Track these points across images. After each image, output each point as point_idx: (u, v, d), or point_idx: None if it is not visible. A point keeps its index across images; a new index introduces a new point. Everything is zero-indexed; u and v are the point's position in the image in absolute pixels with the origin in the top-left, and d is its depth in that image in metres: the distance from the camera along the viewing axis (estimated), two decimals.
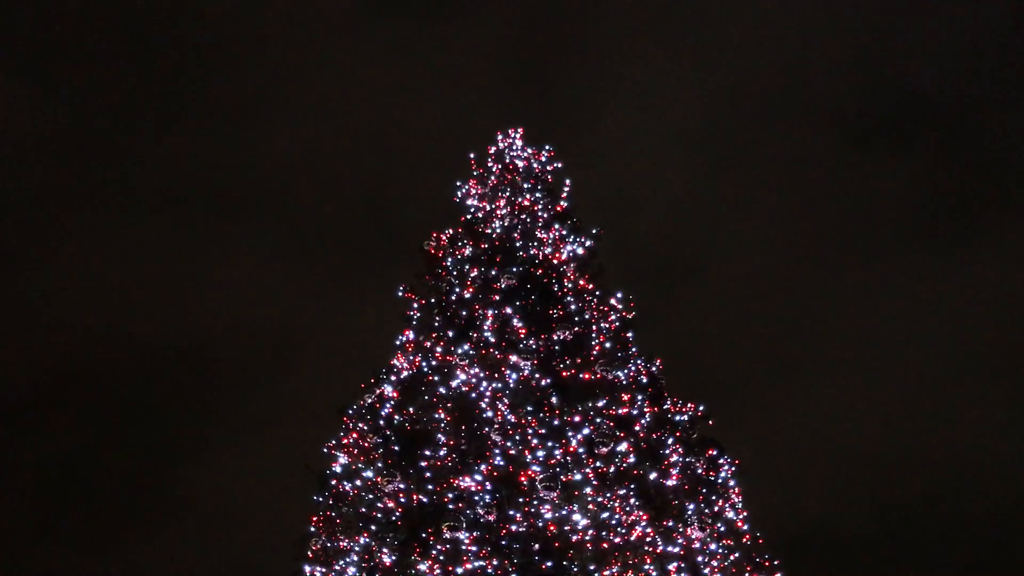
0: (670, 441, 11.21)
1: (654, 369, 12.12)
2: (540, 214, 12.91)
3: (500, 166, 13.40)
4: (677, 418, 11.57)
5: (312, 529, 11.03)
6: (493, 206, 12.95)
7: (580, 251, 12.75)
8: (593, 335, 11.74)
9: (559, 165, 13.66)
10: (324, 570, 10.43)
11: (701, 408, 11.73)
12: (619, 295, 12.50)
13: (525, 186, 13.19)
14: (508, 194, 13.04)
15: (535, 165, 13.52)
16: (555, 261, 12.47)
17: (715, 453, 11.33)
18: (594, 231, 13.00)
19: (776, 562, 10.92)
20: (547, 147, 13.72)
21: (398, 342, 12.44)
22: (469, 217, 13.05)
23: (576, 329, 11.72)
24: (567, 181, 13.55)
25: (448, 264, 12.46)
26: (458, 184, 13.47)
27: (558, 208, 13.14)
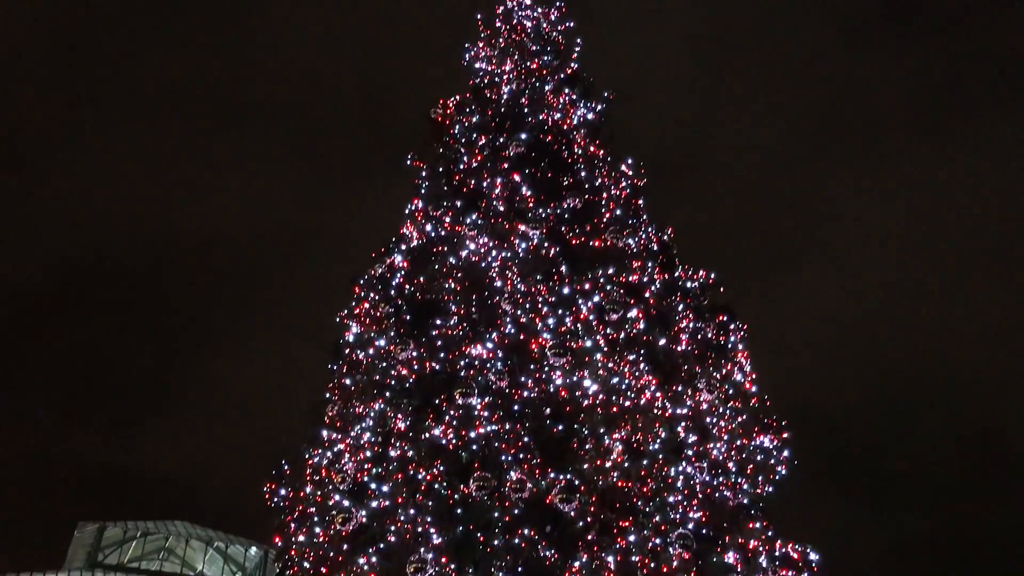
0: (680, 308, 11.25)
1: (665, 237, 12.05)
2: (549, 78, 12.57)
3: (508, 27, 12.96)
4: (688, 285, 11.58)
5: (327, 396, 11.27)
6: (501, 70, 12.60)
7: (591, 116, 12.49)
8: (603, 202, 11.62)
9: (571, 24, 13.20)
10: (340, 435, 10.67)
11: (712, 276, 11.72)
12: (630, 161, 12.31)
13: (533, 48, 12.79)
14: (516, 57, 12.66)
15: (544, 25, 13.07)
16: (565, 127, 12.22)
17: (725, 319, 11.39)
18: (606, 95, 12.68)
19: (784, 422, 11.11)
20: (558, 3, 13.21)
21: (407, 211, 12.38)
22: (477, 81, 12.73)
23: (586, 196, 11.59)
24: (578, 41, 13.11)
25: (455, 132, 12.25)
26: (466, 47, 13.07)
27: (568, 71, 12.77)
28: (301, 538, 10.29)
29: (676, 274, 11.60)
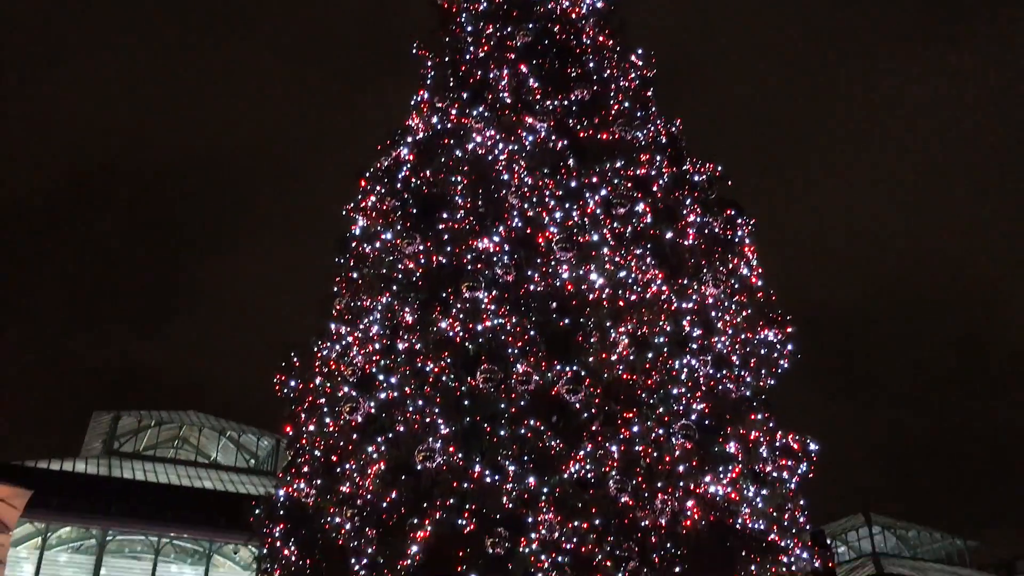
0: (688, 201, 11.18)
1: (674, 129, 11.89)
2: None
3: None
4: (696, 178, 11.48)
5: (335, 289, 11.34)
6: None
7: (599, 4, 12.15)
8: (612, 94, 11.41)
9: None
10: (348, 328, 10.78)
11: (720, 168, 11.60)
12: (640, 52, 12.04)
13: None
14: None
15: None
16: (573, 16, 11.91)
17: (732, 213, 11.33)
18: None
19: (788, 317, 11.18)
20: None
21: (413, 102, 12.20)
22: None
23: (594, 88, 11.38)
24: None
25: (462, 20, 11.95)
26: None
27: None
28: (311, 427, 10.53)
29: (684, 167, 11.49)
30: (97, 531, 29.25)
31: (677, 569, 8.80)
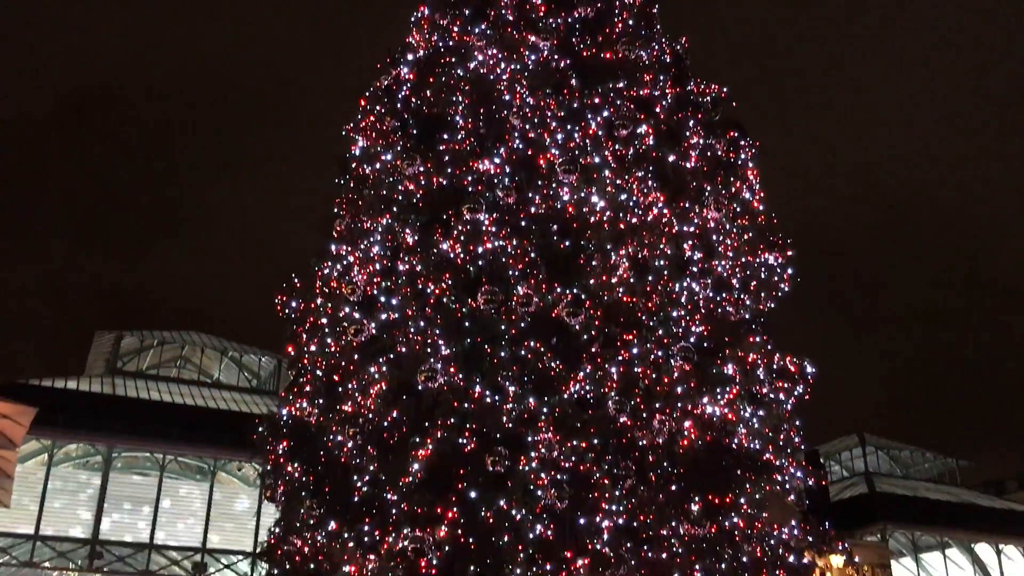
0: (691, 123, 11.07)
1: (678, 48, 11.69)
2: None
3: None
4: (699, 100, 11.34)
5: (336, 211, 11.30)
6: None
7: None
8: (615, 12, 11.20)
9: None
10: (349, 248, 10.77)
11: (724, 90, 11.45)
12: None
13: None
14: None
15: None
16: None
17: (736, 135, 11.23)
18: None
19: (789, 240, 11.17)
20: None
21: (413, 19, 11.98)
22: None
23: (598, 5, 11.17)
24: None
25: None
26: None
27: None
28: (313, 348, 10.61)
29: (688, 88, 11.35)
30: (103, 448, 29.69)
31: (673, 487, 8.97)
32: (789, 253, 11.03)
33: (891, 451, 43.66)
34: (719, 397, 9.69)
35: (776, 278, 11.00)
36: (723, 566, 8.94)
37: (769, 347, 10.46)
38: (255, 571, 27.77)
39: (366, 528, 8.82)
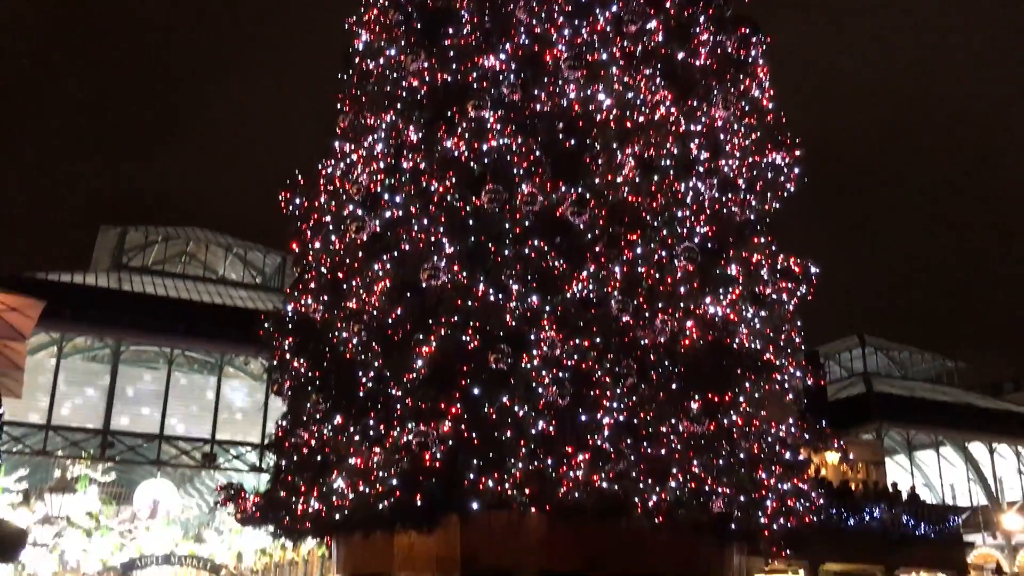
0: (702, 19, 10.80)
1: None
2: None
3: None
4: None
5: (339, 107, 11.14)
6: None
7: None
8: None
9: None
10: (353, 146, 10.67)
11: None
12: None
13: None
14: None
15: None
16: None
17: (747, 31, 10.96)
18: None
19: (798, 140, 11.03)
20: None
21: None
22: None
23: None
24: None
25: None
26: None
27: None
28: (317, 245, 10.61)
29: None
30: (111, 342, 30.07)
31: (674, 386, 9.10)
32: (797, 153, 10.91)
33: (890, 352, 44.10)
34: (722, 297, 9.73)
35: (782, 178, 10.91)
36: (720, 462, 9.14)
37: (773, 248, 10.45)
38: (263, 462, 28.47)
39: (371, 422, 8.99)
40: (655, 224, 9.74)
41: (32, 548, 29.36)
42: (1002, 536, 36.93)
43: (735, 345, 9.62)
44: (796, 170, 10.96)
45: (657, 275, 9.46)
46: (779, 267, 10.27)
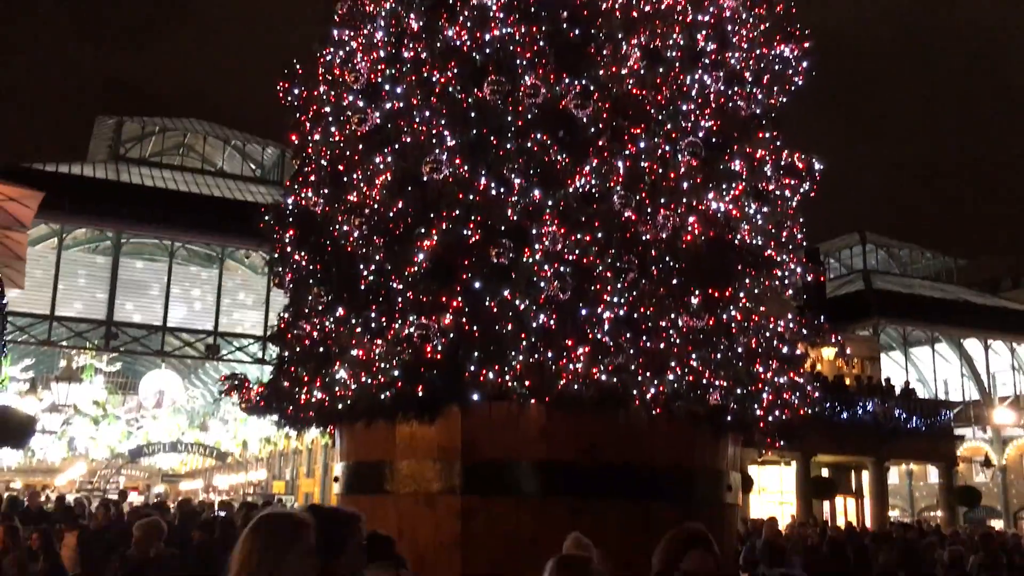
0: None
1: None
2: None
3: None
4: None
5: None
6: None
7: None
8: None
9: None
10: (352, 33, 10.43)
11: None
12: None
13: None
14: None
15: None
16: None
17: None
18: None
19: (807, 31, 10.77)
20: None
21: None
22: None
23: None
24: None
25: None
26: None
27: None
28: (316, 137, 10.47)
29: None
30: (111, 233, 30.09)
31: (674, 281, 9.12)
32: (806, 45, 10.66)
33: (890, 249, 44.18)
34: (724, 193, 9.67)
35: (790, 71, 10.69)
36: (718, 356, 9.24)
37: (778, 143, 10.32)
38: (265, 354, 28.84)
39: (373, 314, 9.06)
40: (659, 118, 9.60)
41: (41, 435, 30.04)
42: (992, 430, 37.76)
43: (736, 241, 9.60)
44: (804, 63, 10.73)
45: (660, 170, 9.37)
46: (783, 163, 10.17)
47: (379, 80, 9.78)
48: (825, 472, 29.38)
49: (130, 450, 38.15)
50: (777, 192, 10.13)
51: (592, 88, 9.15)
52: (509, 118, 9.19)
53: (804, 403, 10.08)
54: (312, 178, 10.38)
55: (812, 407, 10.35)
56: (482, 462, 8.74)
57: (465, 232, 8.80)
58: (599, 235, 8.84)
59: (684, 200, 9.35)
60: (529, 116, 9.14)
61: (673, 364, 8.75)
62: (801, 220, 10.56)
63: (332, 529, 3.48)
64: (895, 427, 27.86)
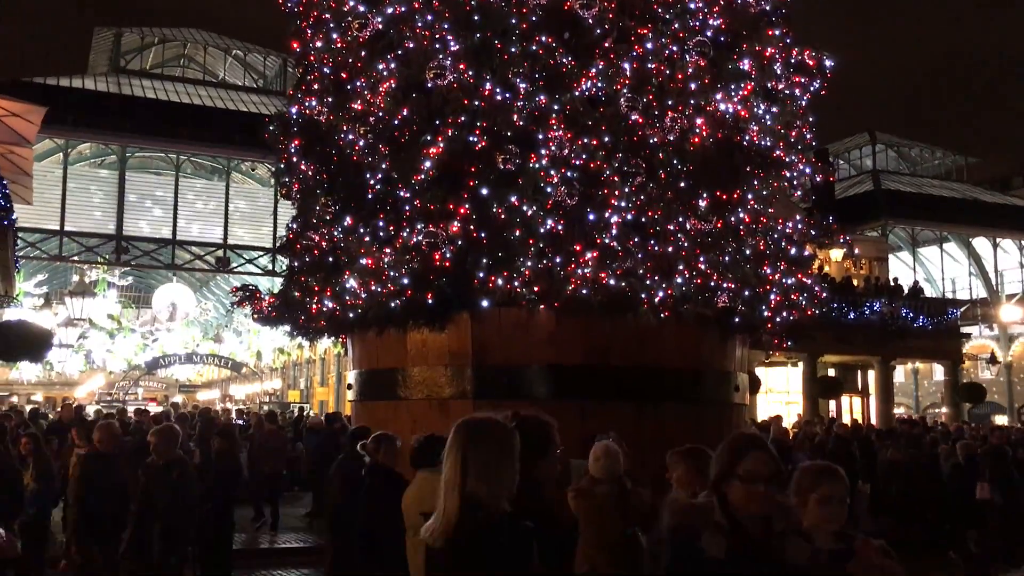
0: None
1: None
2: None
3: None
4: None
5: None
6: None
7: None
8: None
9: None
10: None
11: None
12: None
13: None
14: None
15: None
16: None
17: None
18: None
19: None
20: None
21: None
22: None
23: None
24: None
25: None
26: None
27: None
28: (319, 44, 10.32)
29: None
30: (116, 147, 29.92)
31: (682, 184, 9.09)
32: None
33: (900, 149, 43.66)
34: (733, 93, 9.54)
35: None
36: (726, 258, 9.26)
37: (787, 41, 10.14)
38: (275, 266, 28.99)
39: (380, 223, 9.08)
40: (666, 17, 9.42)
41: (58, 349, 30.49)
42: (998, 327, 37.96)
43: (745, 142, 9.52)
44: None
45: (668, 71, 9.24)
46: (793, 61, 10.01)
47: None
48: (832, 372, 29.70)
49: (146, 362, 38.74)
50: (787, 91, 10.00)
51: None
52: (513, 21, 9.03)
53: (812, 304, 10.15)
54: (315, 86, 10.28)
55: (819, 308, 10.43)
56: (493, 367, 8.87)
57: (471, 138, 8.74)
58: (606, 139, 8.78)
59: (692, 101, 9.24)
60: (534, 18, 8.98)
61: (681, 267, 8.78)
62: (811, 120, 10.45)
63: (534, 435, 3.59)
64: (902, 326, 28.01)
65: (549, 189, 8.52)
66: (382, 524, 5.92)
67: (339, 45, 10.02)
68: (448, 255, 8.46)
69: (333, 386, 39.62)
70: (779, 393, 30.57)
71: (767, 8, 10.06)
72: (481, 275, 8.54)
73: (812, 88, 10.16)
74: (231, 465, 9.52)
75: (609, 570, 5.81)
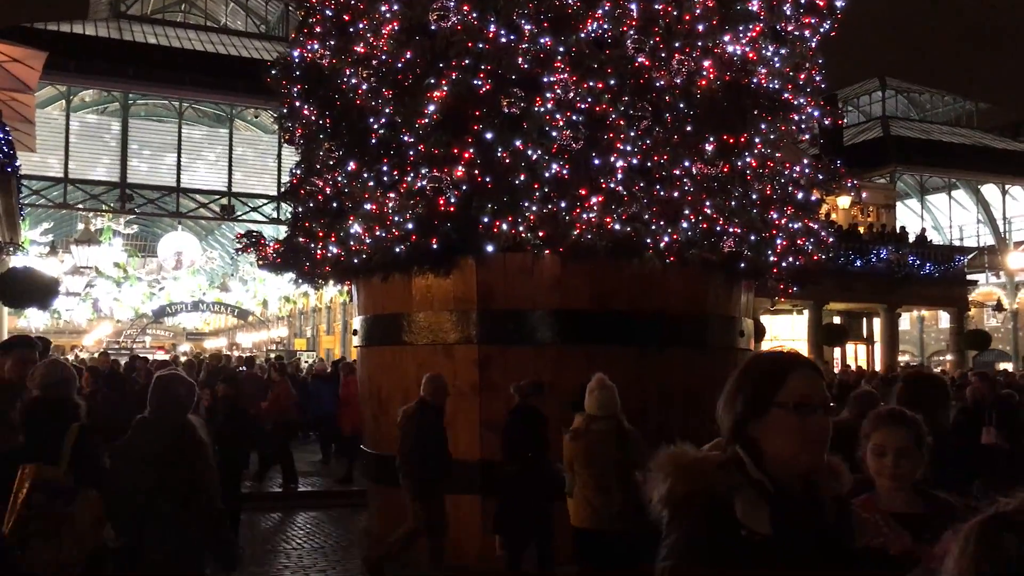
0: None
1: None
2: None
3: None
4: None
5: None
6: None
7: None
8: None
9: None
10: None
11: None
12: None
13: None
14: None
15: None
16: None
17: None
18: None
19: None
20: None
21: None
22: None
23: None
24: None
25: None
26: None
27: None
28: None
29: None
30: (118, 94, 29.72)
31: (689, 128, 8.99)
32: None
33: (911, 94, 43.17)
34: (741, 35, 9.39)
35: None
36: (733, 203, 9.20)
37: None
38: (280, 213, 28.94)
39: (385, 168, 9.01)
40: None
41: (65, 297, 30.60)
42: (1005, 275, 37.85)
43: (753, 85, 9.39)
44: None
45: (675, 12, 9.09)
46: (803, 1, 9.83)
47: None
48: (837, 320, 29.72)
49: (153, 310, 38.89)
50: (796, 33, 9.84)
51: None
52: None
53: (818, 249, 10.10)
54: (317, 29, 10.14)
55: (825, 253, 10.38)
56: (498, 312, 8.87)
57: (475, 82, 8.63)
58: (612, 82, 8.66)
59: (699, 43, 9.10)
60: None
61: (687, 212, 8.72)
62: (820, 62, 10.29)
63: None
64: (908, 273, 27.95)
65: (554, 133, 8.43)
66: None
67: None
68: (453, 200, 8.40)
69: (339, 334, 39.80)
70: (784, 340, 30.65)
71: None
72: (486, 220, 8.50)
73: (822, 29, 9.99)
74: (237, 410, 9.59)
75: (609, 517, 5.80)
